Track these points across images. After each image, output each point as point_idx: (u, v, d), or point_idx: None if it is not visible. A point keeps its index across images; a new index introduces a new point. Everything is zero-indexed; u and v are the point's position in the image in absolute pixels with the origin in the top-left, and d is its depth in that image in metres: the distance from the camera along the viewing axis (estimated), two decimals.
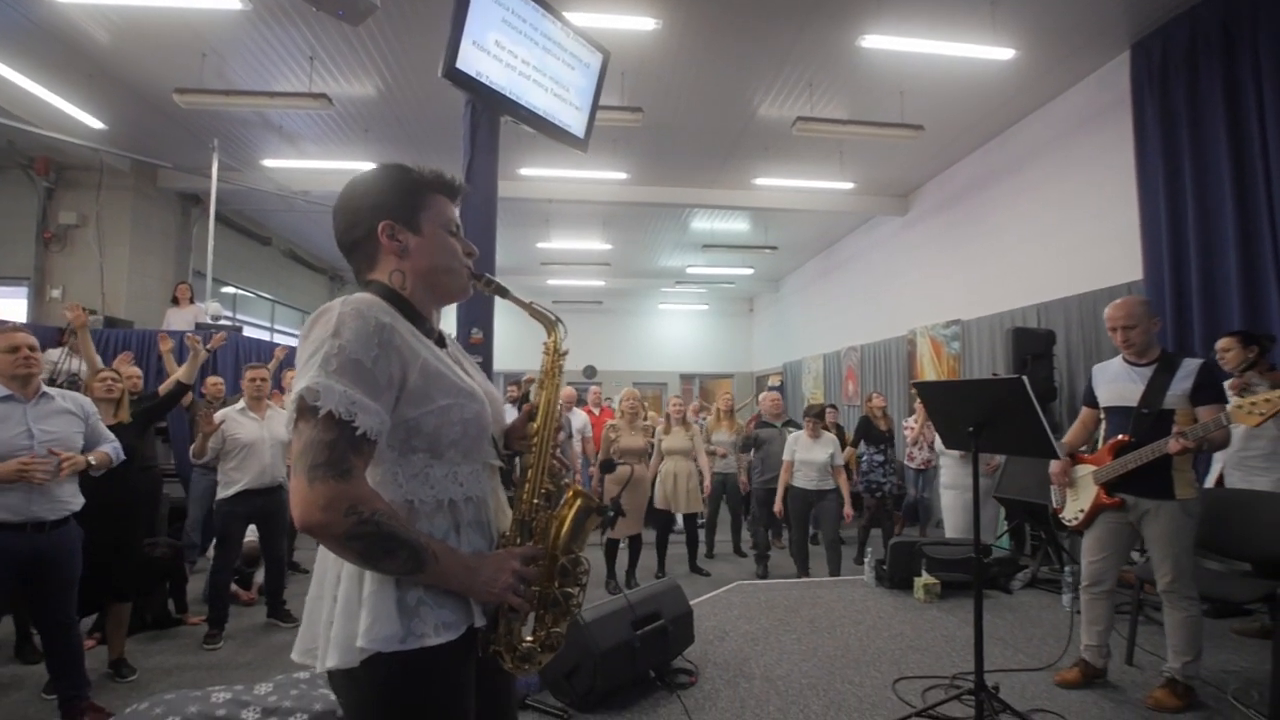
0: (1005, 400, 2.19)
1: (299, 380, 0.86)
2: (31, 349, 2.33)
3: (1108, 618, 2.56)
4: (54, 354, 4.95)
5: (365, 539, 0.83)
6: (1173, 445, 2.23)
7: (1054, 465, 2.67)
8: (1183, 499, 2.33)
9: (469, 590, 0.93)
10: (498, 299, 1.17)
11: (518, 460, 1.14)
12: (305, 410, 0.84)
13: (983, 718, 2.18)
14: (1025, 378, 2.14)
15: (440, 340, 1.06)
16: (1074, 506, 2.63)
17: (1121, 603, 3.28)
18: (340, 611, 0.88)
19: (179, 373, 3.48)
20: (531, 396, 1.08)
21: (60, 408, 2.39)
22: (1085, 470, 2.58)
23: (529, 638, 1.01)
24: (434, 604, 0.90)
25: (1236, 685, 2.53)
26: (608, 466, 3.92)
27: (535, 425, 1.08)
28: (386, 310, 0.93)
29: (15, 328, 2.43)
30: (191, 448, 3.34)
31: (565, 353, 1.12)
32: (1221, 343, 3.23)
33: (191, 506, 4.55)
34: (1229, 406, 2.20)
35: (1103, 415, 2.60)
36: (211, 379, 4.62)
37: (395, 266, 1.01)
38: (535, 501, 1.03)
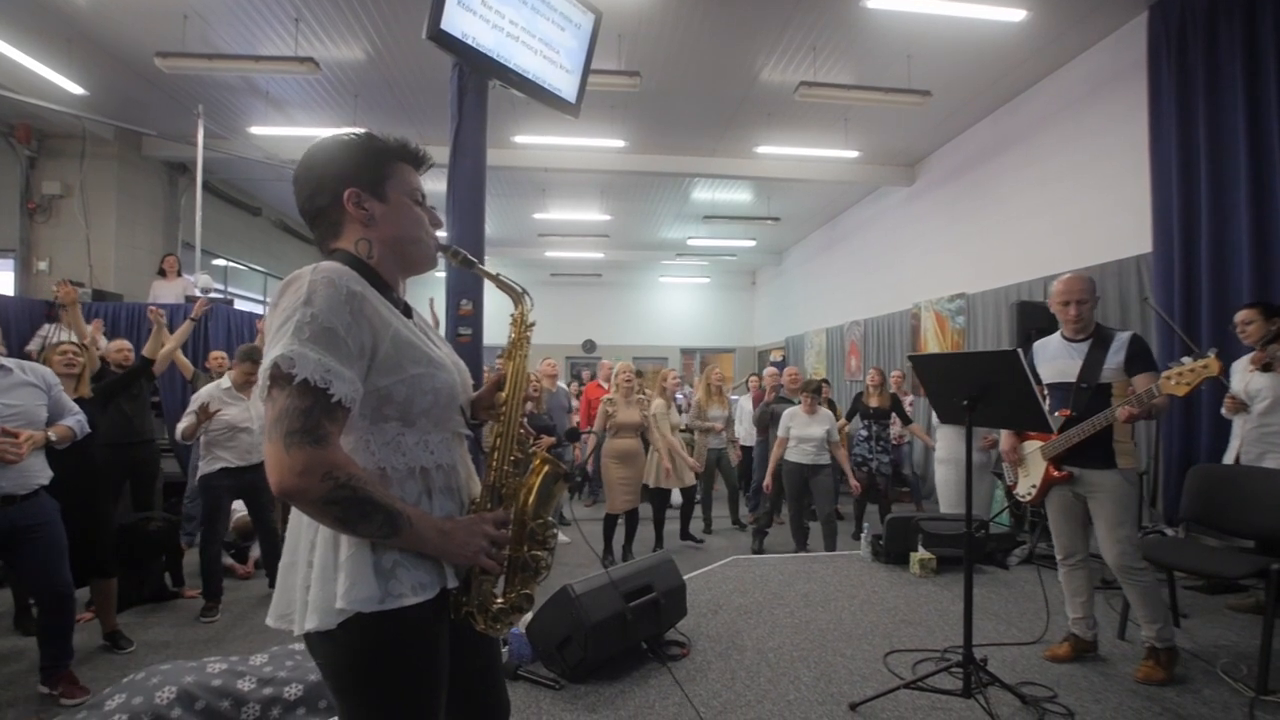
0: (1000, 373, 2.17)
1: (272, 348, 0.86)
2: None
3: (1088, 588, 2.61)
4: (45, 329, 4.91)
5: (342, 503, 0.85)
6: (1121, 413, 2.27)
7: (1004, 443, 2.74)
8: (1124, 468, 2.41)
9: (443, 553, 0.95)
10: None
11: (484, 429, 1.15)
12: (280, 378, 0.85)
13: (970, 689, 2.20)
14: (1020, 350, 2.11)
15: (406, 310, 1.07)
16: (1026, 483, 2.68)
17: (1115, 579, 3.29)
18: (317, 576, 0.90)
19: (145, 347, 3.41)
20: (497, 366, 1.05)
21: (21, 380, 2.35)
22: (1033, 446, 2.63)
23: (499, 599, 1.04)
24: (410, 566, 0.93)
25: (1226, 659, 2.54)
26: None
27: (504, 395, 1.10)
28: (357, 279, 0.93)
29: None
30: (182, 428, 3.26)
31: (532, 324, 1.15)
32: (1242, 315, 3.14)
33: (190, 479, 4.54)
34: (1160, 378, 2.23)
35: (1045, 392, 2.62)
36: (215, 353, 4.57)
37: (361, 235, 1.01)
38: (505, 468, 1.06)
